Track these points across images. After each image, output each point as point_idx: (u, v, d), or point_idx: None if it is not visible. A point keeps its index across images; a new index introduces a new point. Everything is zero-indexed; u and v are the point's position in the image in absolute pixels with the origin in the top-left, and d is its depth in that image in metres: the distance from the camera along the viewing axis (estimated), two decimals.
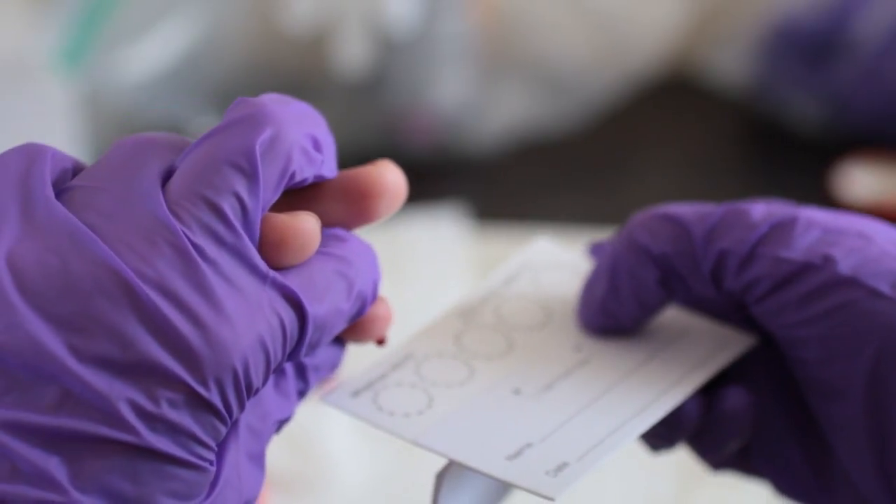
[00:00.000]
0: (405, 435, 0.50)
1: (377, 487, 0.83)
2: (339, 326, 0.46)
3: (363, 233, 0.49)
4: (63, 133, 1.10)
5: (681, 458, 0.77)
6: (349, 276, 0.46)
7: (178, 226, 0.42)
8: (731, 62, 1.22)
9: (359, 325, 0.48)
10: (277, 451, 0.80)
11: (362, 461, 0.83)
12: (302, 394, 0.49)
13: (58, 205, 0.42)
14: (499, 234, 1.06)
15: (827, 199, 1.09)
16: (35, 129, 1.09)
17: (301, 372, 0.48)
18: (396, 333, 0.53)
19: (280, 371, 0.47)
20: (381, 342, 0.50)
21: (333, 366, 0.49)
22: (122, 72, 1.12)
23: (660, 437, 0.53)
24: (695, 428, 0.53)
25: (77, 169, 0.44)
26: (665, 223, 0.52)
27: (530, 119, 1.18)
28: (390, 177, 0.48)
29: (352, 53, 1.12)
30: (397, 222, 1.02)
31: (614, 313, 0.53)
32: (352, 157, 1.13)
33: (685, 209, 0.53)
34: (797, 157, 1.16)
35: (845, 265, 0.50)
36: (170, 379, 0.41)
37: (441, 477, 0.49)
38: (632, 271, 0.52)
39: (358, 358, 0.54)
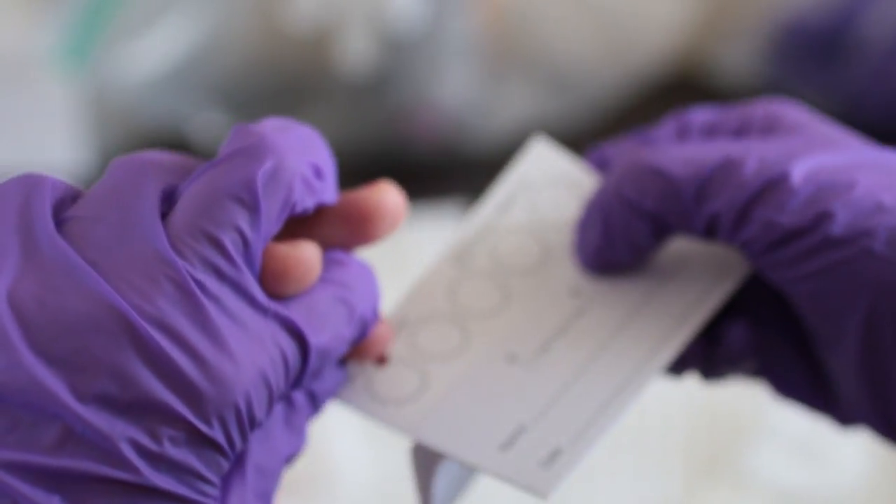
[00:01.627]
0: (400, 426, 0.50)
1: (382, 488, 0.83)
2: (341, 351, 0.46)
3: None
4: (66, 131, 1.10)
5: (687, 459, 0.77)
6: (350, 302, 0.46)
7: (179, 262, 0.42)
8: (740, 60, 1.21)
9: (359, 347, 0.49)
10: None
11: (367, 462, 0.83)
12: (310, 417, 0.49)
13: (58, 240, 0.42)
14: None
15: None
16: (38, 128, 1.09)
17: (313, 400, 0.48)
18: None
19: (290, 404, 0.47)
20: (381, 361, 0.50)
21: (335, 387, 0.49)
22: (125, 70, 1.12)
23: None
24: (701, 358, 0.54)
25: (75, 196, 0.44)
26: (654, 179, 0.51)
27: (536, 117, 1.18)
28: (391, 199, 0.48)
29: (356, 52, 1.12)
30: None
31: (610, 259, 0.53)
32: (356, 156, 1.13)
33: (674, 160, 0.52)
34: None
35: (838, 224, 0.49)
36: (172, 417, 0.41)
37: (418, 455, 0.50)
38: (624, 223, 0.52)
39: None
